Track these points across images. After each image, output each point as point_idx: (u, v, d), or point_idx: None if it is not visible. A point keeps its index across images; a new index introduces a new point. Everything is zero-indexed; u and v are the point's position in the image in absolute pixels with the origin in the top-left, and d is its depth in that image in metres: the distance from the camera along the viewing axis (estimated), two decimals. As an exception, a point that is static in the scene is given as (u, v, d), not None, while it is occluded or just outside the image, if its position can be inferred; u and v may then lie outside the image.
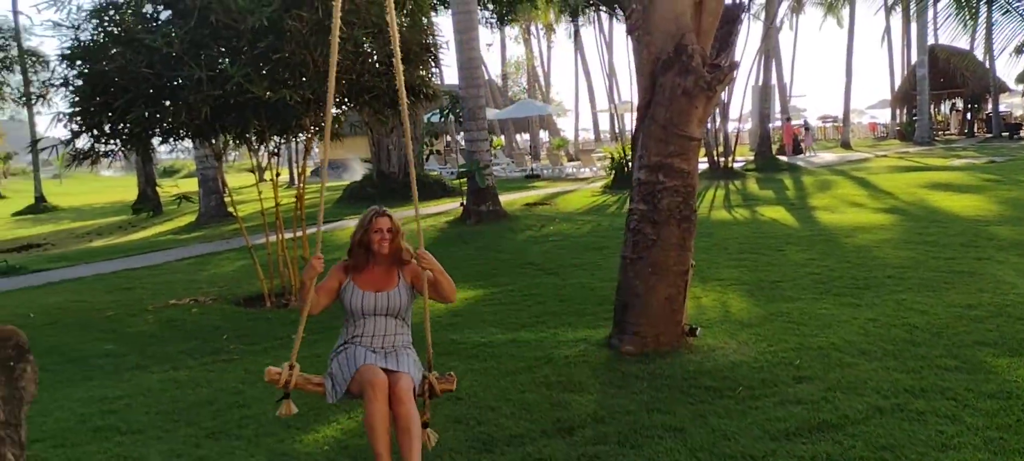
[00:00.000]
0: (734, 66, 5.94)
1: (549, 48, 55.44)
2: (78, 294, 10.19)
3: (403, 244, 4.30)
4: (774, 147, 29.71)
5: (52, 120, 8.43)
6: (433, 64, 9.03)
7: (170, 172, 59.27)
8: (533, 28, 48.70)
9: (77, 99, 7.91)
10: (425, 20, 9.33)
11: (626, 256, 6.11)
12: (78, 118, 8.02)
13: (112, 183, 57.83)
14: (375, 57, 7.97)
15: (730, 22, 6.64)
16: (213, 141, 8.70)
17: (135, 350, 7.03)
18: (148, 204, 27.35)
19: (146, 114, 7.66)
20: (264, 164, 38.63)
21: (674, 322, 5.99)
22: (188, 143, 8.64)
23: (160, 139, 8.34)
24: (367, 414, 3.84)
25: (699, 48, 5.87)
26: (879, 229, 11.69)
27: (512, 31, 42.08)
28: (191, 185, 23.90)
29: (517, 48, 67.80)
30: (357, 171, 32.45)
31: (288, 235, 9.27)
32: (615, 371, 5.60)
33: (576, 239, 12.71)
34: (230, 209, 21.04)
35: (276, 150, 9.08)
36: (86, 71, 7.69)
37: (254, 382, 5.83)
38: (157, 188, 27.61)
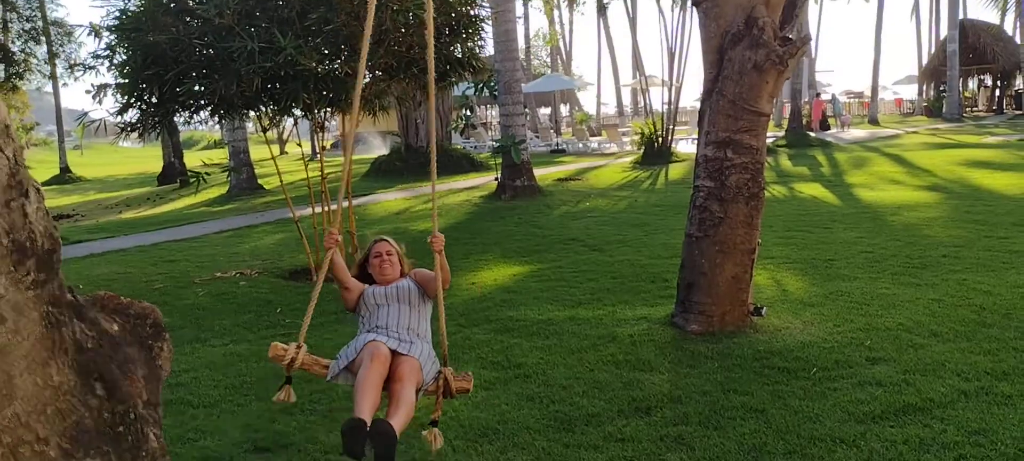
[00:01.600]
0: (807, 39, 5.82)
1: (571, 20, 54.95)
2: (123, 266, 10.21)
3: (403, 262, 4.42)
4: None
5: (97, 93, 8.32)
6: (480, 36, 8.90)
7: (189, 144, 59.44)
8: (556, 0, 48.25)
9: (126, 70, 7.85)
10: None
11: (692, 234, 6.01)
12: (125, 90, 7.97)
13: (133, 154, 58.21)
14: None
15: (795, -6, 6.49)
16: (260, 114, 8.64)
17: (191, 323, 7.01)
18: (175, 175, 27.44)
19: (197, 86, 7.60)
20: (286, 137, 38.78)
21: (740, 301, 5.91)
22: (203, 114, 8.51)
23: (209, 111, 8.28)
24: (358, 377, 3.63)
25: (770, 20, 5.75)
26: (924, 207, 11.54)
27: (535, 2, 41.62)
28: (212, 157, 23.90)
29: (538, 20, 66.98)
30: (375, 145, 32.37)
31: (330, 208, 9.21)
32: (683, 350, 5.53)
33: (614, 215, 12.62)
34: (260, 182, 21.11)
35: (323, 123, 9.00)
36: (135, 41, 7.62)
37: (317, 356, 5.79)
38: (208, 164, 27.63)
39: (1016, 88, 41.86)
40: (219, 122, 9.75)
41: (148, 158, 44.08)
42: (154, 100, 8.06)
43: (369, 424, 3.36)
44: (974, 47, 39.28)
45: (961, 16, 37.44)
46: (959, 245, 8.67)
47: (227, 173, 14.79)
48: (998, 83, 43.62)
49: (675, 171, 19.02)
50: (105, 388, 1.98)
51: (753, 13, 5.73)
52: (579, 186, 16.94)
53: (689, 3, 20.92)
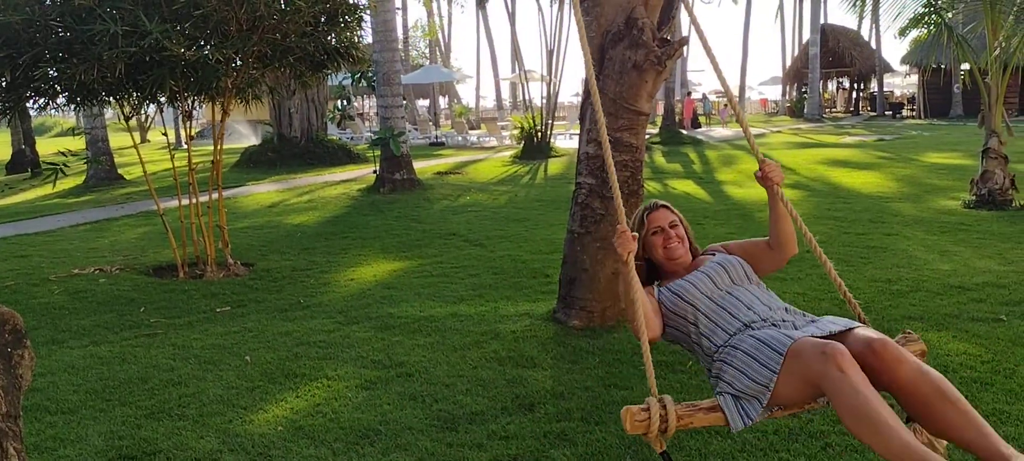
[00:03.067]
0: (684, 41, 5.95)
1: (450, 12, 54.83)
2: (-32, 262, 9.46)
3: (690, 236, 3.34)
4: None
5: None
6: (359, 26, 8.70)
7: (41, 130, 55.80)
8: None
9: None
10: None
11: (573, 230, 6.06)
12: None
13: (-22, 140, 54.20)
14: (303, 17, 7.58)
15: (672, -4, 6.63)
16: (122, 100, 8.15)
17: (46, 323, 6.55)
18: (26, 164, 25.69)
19: (53, 71, 7.09)
20: (148, 124, 36.86)
21: (620, 297, 5.99)
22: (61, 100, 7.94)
23: (67, 97, 7.75)
24: (843, 393, 2.47)
25: (649, 22, 5.84)
26: (788, 204, 12.06)
27: (414, -5, 41.28)
28: (67, 145, 22.56)
29: (416, 11, 66.64)
30: (244, 135, 31.30)
31: (200, 200, 8.80)
32: (565, 346, 5.56)
33: (495, 210, 12.63)
34: (120, 172, 20.01)
35: (191, 111, 8.57)
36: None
37: (186, 358, 5.53)
38: (66, 153, 25.82)
39: (871, 91, 44.60)
40: (76, 108, 9.15)
41: (-4, 145, 41.16)
42: (4, 84, 7.50)
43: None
44: (834, 51, 41.61)
45: (822, 21, 39.52)
46: (821, 241, 8.94)
47: (86, 163, 13.94)
48: (855, 86, 46.40)
49: (554, 166, 19.25)
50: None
51: (633, 14, 5.81)
52: (459, 180, 16.89)
53: (568, 0, 21.21)
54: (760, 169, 3.22)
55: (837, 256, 8.26)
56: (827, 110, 44.14)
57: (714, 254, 3.38)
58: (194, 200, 8.60)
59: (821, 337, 2.70)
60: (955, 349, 5.30)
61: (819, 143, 24.21)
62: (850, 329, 2.85)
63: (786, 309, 3.10)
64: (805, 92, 41.54)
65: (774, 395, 2.69)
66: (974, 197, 11.16)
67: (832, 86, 49.62)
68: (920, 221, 10.18)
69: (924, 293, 6.70)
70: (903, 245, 8.71)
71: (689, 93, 38.37)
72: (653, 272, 3.32)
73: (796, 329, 2.85)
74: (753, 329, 2.90)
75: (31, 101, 7.85)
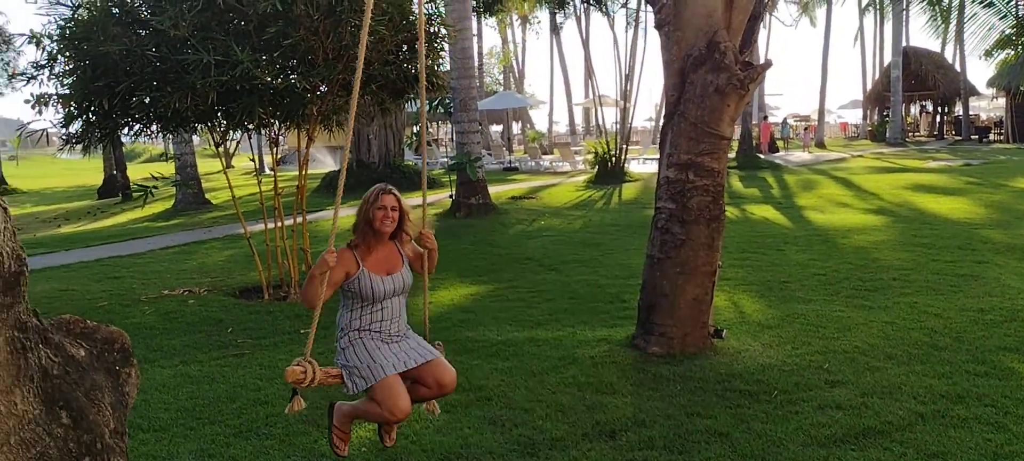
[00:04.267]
0: (768, 65, 5.88)
1: (524, 39, 55.26)
2: (66, 283, 9.88)
3: (407, 224, 4.08)
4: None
5: (37, 103, 8.00)
6: (440, 54, 8.85)
7: (131, 156, 57.99)
8: (509, 18, 48.47)
9: (74, 80, 7.62)
10: (431, 9, 9.17)
11: (653, 255, 6.01)
12: (74, 101, 7.73)
13: (72, 166, 56.61)
14: (386, 45, 7.75)
15: (753, 18, 6.57)
16: (212, 127, 8.44)
17: (139, 343, 6.77)
18: (116, 189, 26.75)
19: (148, 98, 7.40)
20: (234, 150, 38.07)
21: (701, 323, 5.92)
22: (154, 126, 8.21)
23: (160, 124, 8.07)
24: (380, 416, 3.86)
25: (731, 45, 5.79)
26: (872, 230, 11.75)
27: (489, 20, 41.72)
28: (157, 169, 23.31)
29: (491, 38, 67.53)
30: (324, 161, 32.03)
31: (285, 223, 9.02)
32: (645, 372, 5.51)
33: (570, 234, 12.62)
34: (207, 196, 20.70)
35: (277, 137, 8.83)
36: (85, 52, 7.39)
37: (272, 378, 5.66)
38: (157, 177, 26.83)
39: (956, 114, 43.17)
40: (170, 135, 9.51)
41: (88, 170, 42.86)
42: (101, 112, 7.84)
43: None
44: (916, 74, 40.44)
45: (904, 44, 38.51)
46: (908, 268, 8.83)
47: (175, 187, 14.45)
48: (939, 109, 44.98)
49: (628, 191, 19.14)
50: (71, 417, 1.87)
51: (715, 37, 5.77)
52: (533, 204, 16.94)
53: (643, 25, 21.18)
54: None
55: (925, 284, 8.00)
56: (910, 134, 42.90)
57: (403, 256, 4.09)
58: (280, 224, 8.82)
59: (401, 372, 3.85)
60: (1056, 382, 5.07)
61: (903, 168, 23.52)
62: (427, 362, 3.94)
63: (399, 329, 3.99)
64: (887, 115, 40.46)
65: (370, 389, 3.82)
66: (1071, 224, 10.67)
67: (914, 110, 48.20)
68: (1012, 249, 9.79)
69: (1020, 323, 6.45)
70: (995, 273, 8.38)
71: (765, 117, 37.77)
72: (365, 231, 3.99)
73: (391, 353, 3.88)
74: (373, 332, 3.91)
75: (126, 128, 8.17)
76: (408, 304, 4.16)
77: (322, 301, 3.78)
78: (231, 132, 8.57)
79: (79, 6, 7.60)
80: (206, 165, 25.43)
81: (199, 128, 8.87)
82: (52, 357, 1.88)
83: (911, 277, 8.38)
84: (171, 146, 19.41)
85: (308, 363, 3.68)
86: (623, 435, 4.47)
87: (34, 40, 7.96)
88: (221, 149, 8.69)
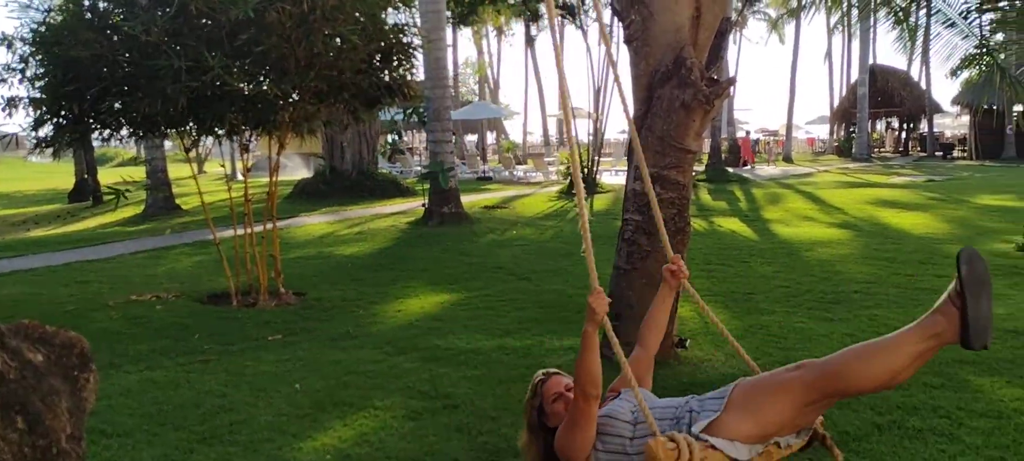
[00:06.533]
0: (732, 81, 6.00)
1: (499, 50, 55.44)
2: (33, 286, 9.79)
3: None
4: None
5: (7, 106, 7.97)
6: (412, 63, 8.90)
7: (101, 160, 57.32)
8: (484, 29, 48.64)
9: (45, 84, 7.59)
10: (405, 18, 9.24)
11: (620, 266, 6.11)
12: (43, 105, 7.70)
13: (42, 169, 55.86)
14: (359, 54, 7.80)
15: (720, 35, 6.70)
16: (183, 133, 8.43)
17: (104, 348, 6.75)
18: (87, 193, 26.45)
19: (119, 103, 7.39)
20: (205, 156, 37.72)
21: (666, 333, 6.00)
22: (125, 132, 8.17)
23: (131, 129, 8.05)
24: None
25: (698, 62, 5.91)
26: (836, 244, 11.96)
27: (464, 31, 41.85)
28: (128, 174, 23.13)
29: (466, 48, 67.60)
30: (295, 168, 31.90)
31: (255, 230, 9.01)
32: (612, 382, 5.58)
33: (541, 244, 12.71)
34: (177, 202, 20.52)
35: (248, 144, 8.83)
36: (56, 56, 7.37)
37: (237, 385, 5.67)
38: (128, 181, 26.56)
39: (921, 131, 43.95)
40: (139, 140, 9.47)
41: (58, 174, 42.33)
42: (71, 116, 7.82)
43: None
44: (883, 91, 41.13)
45: (871, 61, 39.17)
46: (870, 282, 9.01)
47: (146, 191, 14.34)
48: (904, 126, 45.78)
49: (600, 202, 19.29)
50: (26, 422, 1.90)
51: (681, 53, 5.89)
52: (506, 214, 17.02)
53: (615, 40, 21.38)
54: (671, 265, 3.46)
55: (886, 297, 8.17)
56: (875, 150, 43.58)
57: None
58: (249, 230, 8.81)
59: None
60: (1010, 395, 5.23)
61: (868, 183, 23.91)
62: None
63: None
64: (853, 132, 41.09)
65: None
66: (1029, 240, 10.92)
67: (880, 126, 48.99)
68: (973, 264, 10.00)
69: (976, 337, 6.59)
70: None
71: (747, 133, 38.42)
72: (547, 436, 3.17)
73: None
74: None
75: (96, 133, 8.14)
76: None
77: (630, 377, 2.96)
78: (202, 138, 8.56)
79: (51, 10, 7.58)
80: (177, 170, 25.22)
81: (170, 133, 8.85)
82: (8, 361, 1.91)
83: (872, 290, 8.55)
84: (142, 150, 19.30)
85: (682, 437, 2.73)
86: (586, 443, 4.53)
87: (5, 43, 7.93)
88: (192, 154, 8.66)
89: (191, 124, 8.23)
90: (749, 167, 32.88)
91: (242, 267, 8.89)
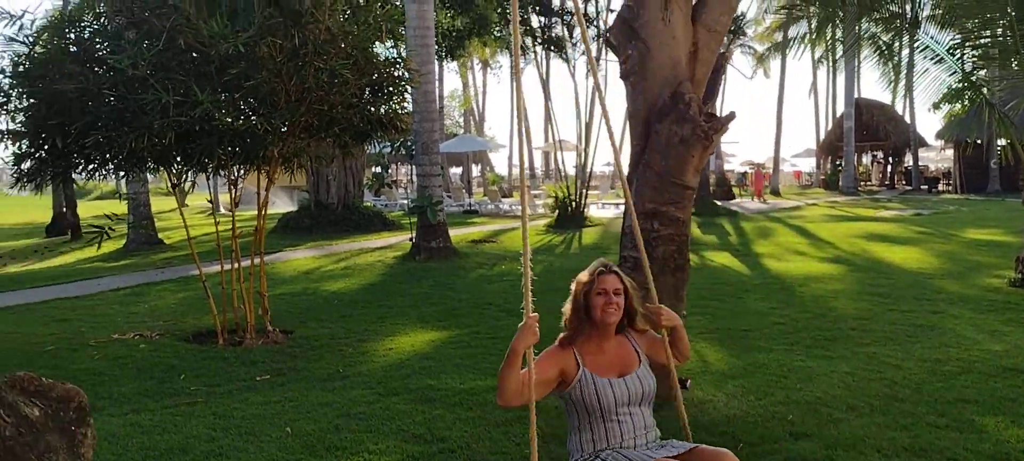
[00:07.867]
0: (732, 116, 5.92)
1: (485, 83, 55.64)
2: (11, 325, 9.55)
3: (637, 309, 3.43)
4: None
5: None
6: (403, 97, 8.81)
7: (81, 194, 56.78)
8: (471, 62, 48.84)
9: (26, 118, 7.43)
10: (396, 52, 9.16)
11: (618, 304, 5.97)
12: (27, 138, 7.54)
13: (18, 202, 55.25)
14: (350, 88, 7.70)
15: (716, 71, 6.65)
16: (172, 169, 8.27)
17: (87, 390, 6.40)
18: (66, 227, 26.11)
19: (103, 138, 7.22)
20: (187, 190, 37.46)
21: (667, 373, 5.86)
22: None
23: (115, 165, 7.88)
24: None
25: (696, 96, 5.84)
26: (829, 279, 11.89)
27: (450, 64, 41.99)
28: (108, 208, 22.79)
29: (452, 81, 67.87)
30: (280, 203, 31.70)
31: (242, 265, 8.83)
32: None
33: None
34: (160, 236, 20.27)
35: (237, 179, 8.68)
36: (40, 89, 7.22)
37: (226, 429, 5.48)
38: (111, 216, 26.24)
39: (906, 164, 44.32)
40: (126, 176, 9.30)
41: (36, 207, 41.85)
42: (55, 150, 7.65)
43: None
44: (868, 125, 41.55)
45: (856, 96, 39.55)
46: (865, 318, 8.93)
47: (129, 226, 14.12)
48: (890, 159, 46.16)
49: (589, 235, 19.21)
50: (18, 483, 1.75)
51: (679, 88, 5.81)
52: (494, 248, 16.88)
53: (603, 72, 21.42)
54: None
55: (883, 334, 8.08)
56: (862, 183, 43.92)
57: (639, 352, 3.55)
58: (236, 265, 8.63)
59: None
60: (1014, 435, 5.12)
61: (856, 217, 23.98)
62: (693, 448, 3.35)
63: (650, 429, 3.44)
64: (839, 165, 41.42)
65: None
66: (1020, 275, 10.89)
67: (866, 159, 49.44)
68: (966, 299, 9.95)
69: (976, 375, 6.51)
70: (950, 324, 8.50)
71: (762, 166, 38.84)
72: (582, 322, 3.44)
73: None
74: (623, 451, 3.24)
75: (79, 168, 7.97)
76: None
77: (530, 399, 3.07)
78: (189, 173, 8.40)
79: (36, 43, 7.44)
80: (160, 204, 25.00)
81: (156, 169, 8.69)
82: (5, 417, 1.78)
83: (869, 327, 8.46)
84: (123, 185, 19.04)
85: None
86: (589, 489, 4.38)
87: None
88: (177, 189, 8.49)
89: (178, 160, 8.07)
90: (734, 201, 33.00)
91: (228, 304, 8.70)
